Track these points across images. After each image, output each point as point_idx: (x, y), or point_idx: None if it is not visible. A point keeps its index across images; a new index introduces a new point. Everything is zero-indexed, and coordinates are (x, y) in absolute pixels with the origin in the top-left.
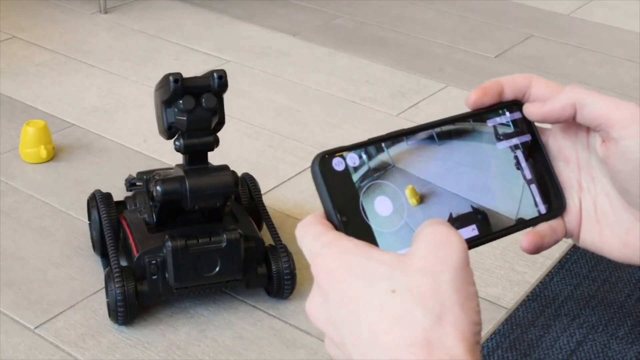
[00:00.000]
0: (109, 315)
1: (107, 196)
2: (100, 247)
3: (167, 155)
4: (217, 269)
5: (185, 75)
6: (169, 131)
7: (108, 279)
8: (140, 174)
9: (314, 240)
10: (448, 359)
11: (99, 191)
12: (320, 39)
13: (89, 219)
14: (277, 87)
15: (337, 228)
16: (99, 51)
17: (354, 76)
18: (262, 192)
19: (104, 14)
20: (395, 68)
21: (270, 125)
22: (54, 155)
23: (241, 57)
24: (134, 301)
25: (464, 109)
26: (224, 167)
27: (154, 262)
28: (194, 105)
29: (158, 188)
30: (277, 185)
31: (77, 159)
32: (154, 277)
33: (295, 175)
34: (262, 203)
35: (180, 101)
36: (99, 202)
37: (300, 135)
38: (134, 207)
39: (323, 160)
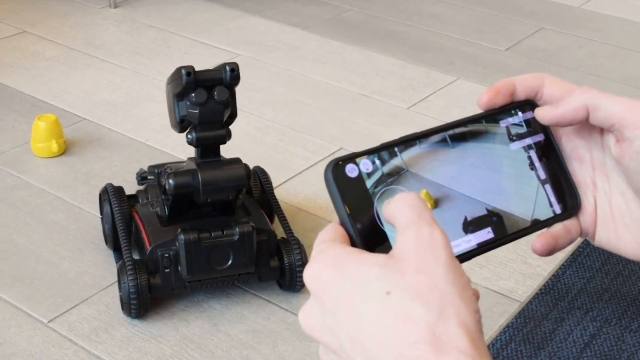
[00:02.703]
0: (122, 309)
1: (119, 189)
2: (113, 240)
3: (178, 149)
4: (230, 262)
5: (196, 69)
6: (181, 124)
7: (121, 272)
8: (151, 167)
9: (313, 249)
10: (455, 351)
11: (110, 185)
12: (330, 33)
13: (101, 212)
14: (288, 80)
15: (351, 235)
16: (109, 45)
17: (364, 69)
18: (273, 185)
19: (114, 9)
20: (405, 61)
21: (281, 119)
22: (66, 149)
23: (251, 51)
24: (147, 294)
25: (475, 102)
26: (236, 160)
27: (166, 255)
28: (206, 98)
29: (170, 181)
30: (288, 179)
31: (88, 153)
32: (166, 270)
33: (307, 169)
34: (274, 196)
35: (193, 94)
36: (110, 195)
37: (311, 129)
38: (146, 200)
39: (336, 167)
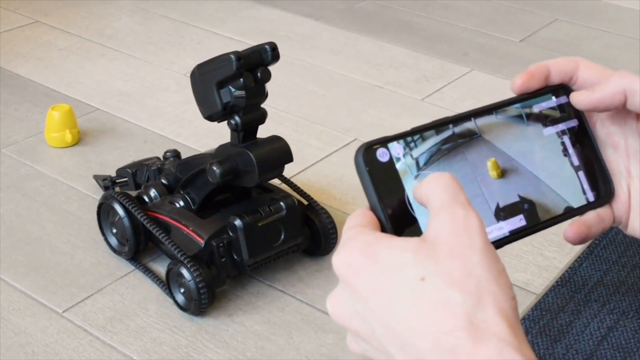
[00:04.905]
0: (187, 309)
1: (128, 194)
2: (135, 248)
3: (192, 139)
4: (282, 237)
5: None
6: (223, 112)
7: (180, 271)
8: (120, 169)
9: (342, 235)
10: (494, 339)
11: (116, 192)
12: (343, 23)
13: (101, 222)
14: (301, 71)
15: (381, 221)
16: (122, 36)
17: (377, 60)
18: (287, 177)
19: None
20: (419, 52)
21: (295, 109)
22: (79, 139)
23: (264, 41)
24: (213, 286)
25: (489, 93)
26: (277, 137)
27: (221, 244)
28: (253, 81)
29: (215, 169)
30: (302, 170)
31: (102, 143)
32: (222, 259)
33: (321, 159)
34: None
35: (241, 79)
36: (125, 202)
37: (324, 120)
38: (155, 199)
39: (367, 152)
